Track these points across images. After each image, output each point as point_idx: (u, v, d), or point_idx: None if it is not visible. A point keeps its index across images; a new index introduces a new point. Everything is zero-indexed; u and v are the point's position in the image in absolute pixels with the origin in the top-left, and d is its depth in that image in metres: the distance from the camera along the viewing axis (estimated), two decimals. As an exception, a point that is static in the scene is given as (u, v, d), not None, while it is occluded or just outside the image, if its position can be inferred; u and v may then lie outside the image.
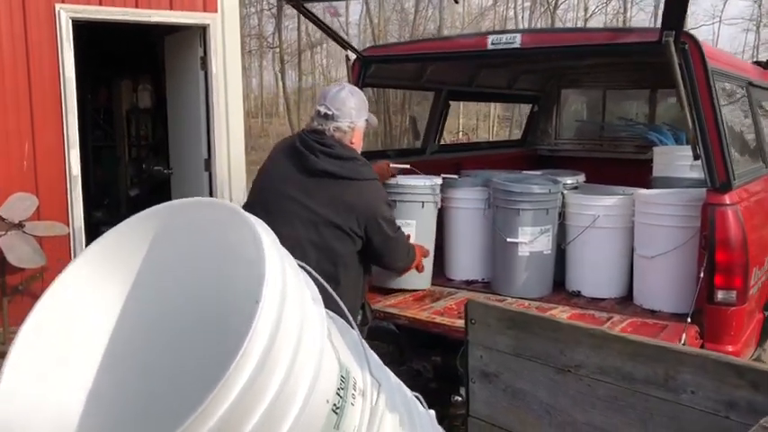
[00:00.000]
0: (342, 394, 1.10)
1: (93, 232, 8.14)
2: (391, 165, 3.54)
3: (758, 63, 4.85)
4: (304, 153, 2.70)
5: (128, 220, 1.19)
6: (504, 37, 3.29)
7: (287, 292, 1.00)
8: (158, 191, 7.47)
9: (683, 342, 2.78)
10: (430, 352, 3.41)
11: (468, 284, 3.75)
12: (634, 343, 2.08)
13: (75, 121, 5.14)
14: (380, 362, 1.58)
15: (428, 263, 3.56)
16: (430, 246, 3.52)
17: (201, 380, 0.95)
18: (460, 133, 20.91)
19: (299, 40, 25.37)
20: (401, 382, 1.69)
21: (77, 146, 5.19)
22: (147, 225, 1.18)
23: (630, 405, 2.08)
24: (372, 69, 3.82)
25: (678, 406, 1.97)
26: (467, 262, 3.76)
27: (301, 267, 1.24)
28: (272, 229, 2.74)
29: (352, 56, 3.69)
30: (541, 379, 2.31)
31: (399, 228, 2.87)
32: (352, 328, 1.43)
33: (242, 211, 1.15)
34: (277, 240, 1.16)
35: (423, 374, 3.54)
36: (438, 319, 3.10)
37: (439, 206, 3.62)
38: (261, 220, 1.16)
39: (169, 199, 4.96)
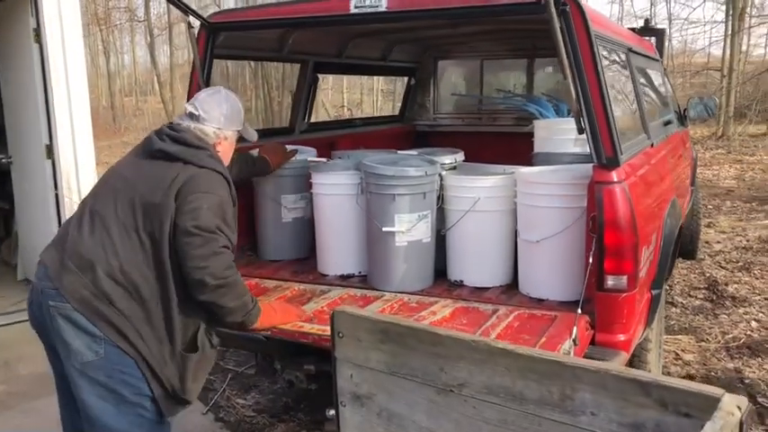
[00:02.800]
0: None
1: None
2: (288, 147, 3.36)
3: (633, 29, 4.73)
4: (151, 137, 2.45)
5: None
6: (369, -1, 2.88)
7: None
8: (1, 182, 6.61)
9: (573, 335, 2.53)
10: (302, 360, 2.99)
11: (344, 279, 3.36)
12: (523, 357, 1.76)
13: None
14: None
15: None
16: None
17: None
18: (345, 108, 20.50)
19: (168, 13, 23.86)
20: None
21: None
22: None
23: (522, 429, 1.77)
24: (222, 39, 3.31)
25: (576, 429, 1.68)
26: (341, 255, 3.36)
27: None
28: (92, 208, 2.26)
29: (196, 23, 3.15)
30: (420, 400, 1.96)
31: (220, 253, 2.29)
32: None
33: None
34: None
35: (296, 385, 3.13)
36: (306, 328, 2.69)
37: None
38: None
39: (11, 191, 4.18)
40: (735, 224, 7.98)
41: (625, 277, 2.64)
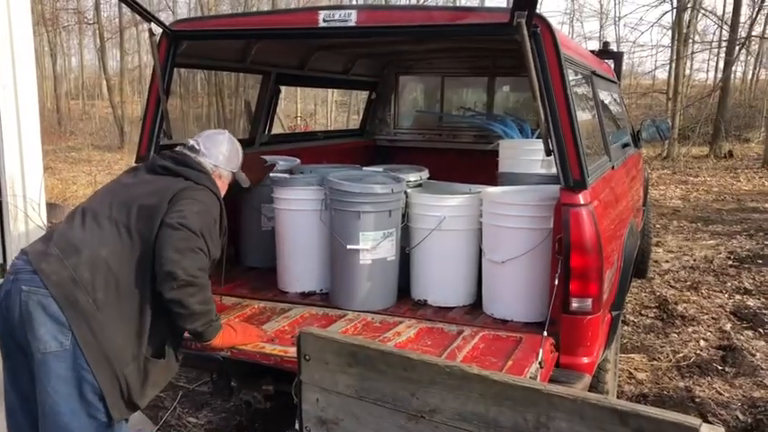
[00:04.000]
0: None
1: None
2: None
3: (592, 52, 4.82)
4: (153, 157, 2.67)
5: None
6: (338, 13, 2.84)
7: None
8: (-62, 187, 6.26)
9: (539, 358, 2.52)
10: (260, 380, 2.90)
11: (305, 297, 3.28)
12: (499, 383, 1.72)
13: None
14: None
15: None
16: None
17: None
18: (299, 119, 20.37)
19: (120, 16, 23.35)
20: None
21: None
22: None
23: (495, 457, 1.75)
24: (184, 47, 3.21)
25: (551, 458, 1.66)
26: (302, 272, 3.29)
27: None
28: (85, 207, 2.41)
29: (158, 30, 3.05)
30: (389, 427, 1.91)
31: (197, 252, 2.28)
32: None
33: None
34: None
35: (253, 405, 3.03)
36: (268, 349, 2.61)
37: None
38: None
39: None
40: (682, 244, 8.20)
41: (590, 300, 2.65)
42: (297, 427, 2.67)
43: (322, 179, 3.18)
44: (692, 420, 1.46)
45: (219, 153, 2.62)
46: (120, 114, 21.56)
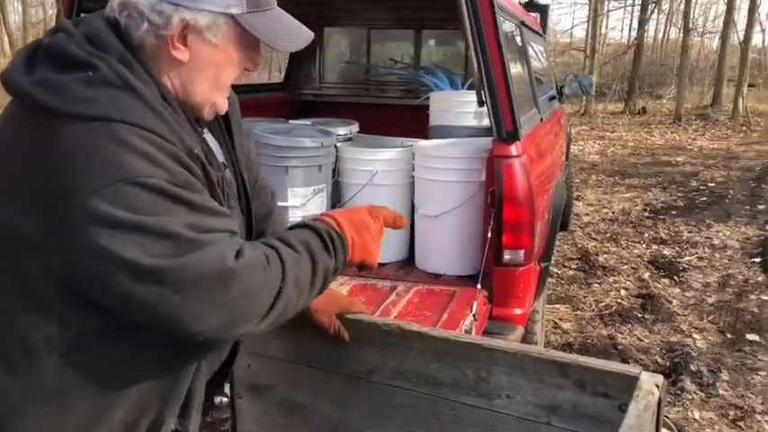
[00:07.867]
0: None
1: None
2: None
3: (519, 3, 4.77)
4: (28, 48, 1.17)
5: None
6: (260, -45, 2.65)
7: None
8: None
9: (473, 311, 2.51)
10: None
11: (232, 257, 3.15)
12: (437, 339, 1.68)
13: None
14: None
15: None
16: None
17: None
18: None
19: (19, -36, 21.77)
20: None
21: None
22: None
23: (434, 414, 1.69)
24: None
25: (491, 413, 1.62)
26: (227, 231, 3.14)
27: None
28: None
29: (60, -29, 2.79)
30: (325, 389, 1.84)
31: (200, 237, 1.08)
32: None
33: None
34: None
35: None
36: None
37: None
38: None
39: None
40: (601, 197, 8.45)
41: (522, 252, 2.64)
42: (228, 392, 2.59)
43: (248, 133, 3.02)
44: (632, 369, 1.46)
45: None
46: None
